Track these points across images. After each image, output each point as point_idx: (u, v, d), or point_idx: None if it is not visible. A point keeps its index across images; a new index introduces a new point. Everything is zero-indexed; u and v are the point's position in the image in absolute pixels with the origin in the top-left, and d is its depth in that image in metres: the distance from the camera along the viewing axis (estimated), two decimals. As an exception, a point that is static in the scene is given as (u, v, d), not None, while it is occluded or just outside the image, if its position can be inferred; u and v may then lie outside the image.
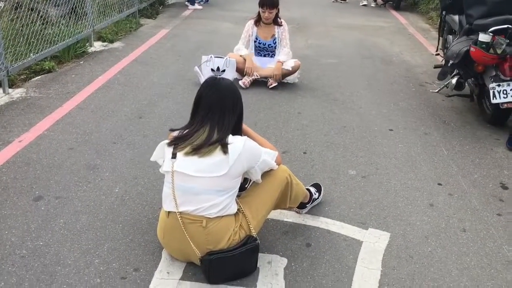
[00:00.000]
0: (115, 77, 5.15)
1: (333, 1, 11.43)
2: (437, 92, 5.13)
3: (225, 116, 2.27)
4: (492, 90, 3.94)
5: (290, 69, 5.04)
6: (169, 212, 2.28)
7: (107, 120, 4.03)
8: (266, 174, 2.46)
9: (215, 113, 2.26)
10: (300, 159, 3.57)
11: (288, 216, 2.84)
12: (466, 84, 4.56)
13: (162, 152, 2.35)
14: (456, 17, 5.01)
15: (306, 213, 2.87)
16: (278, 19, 5.14)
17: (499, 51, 3.84)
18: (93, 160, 3.36)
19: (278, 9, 5.10)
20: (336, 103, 4.75)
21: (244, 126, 2.51)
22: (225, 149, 2.21)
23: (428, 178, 3.38)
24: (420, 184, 3.29)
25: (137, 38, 6.96)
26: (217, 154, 2.20)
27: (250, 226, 2.35)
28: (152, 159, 2.45)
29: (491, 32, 3.90)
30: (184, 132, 2.28)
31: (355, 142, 3.89)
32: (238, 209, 2.35)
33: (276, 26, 5.15)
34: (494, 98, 3.94)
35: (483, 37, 3.89)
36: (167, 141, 2.31)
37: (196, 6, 9.52)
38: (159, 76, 5.25)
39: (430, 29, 8.69)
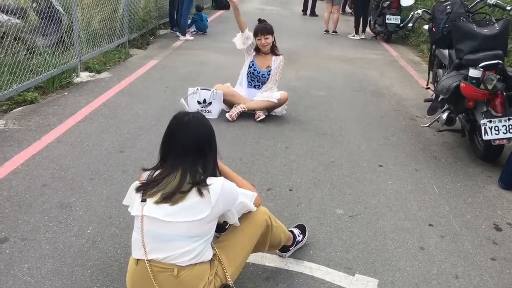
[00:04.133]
0: (98, 108, 5.02)
1: (325, 33, 11.48)
2: (428, 126, 5.03)
3: (199, 159, 2.11)
4: (483, 126, 3.84)
5: (276, 101, 4.92)
6: (138, 259, 2.10)
7: (86, 154, 3.87)
8: (244, 216, 2.31)
9: (188, 156, 2.09)
10: (285, 196, 3.42)
11: (269, 260, 2.67)
12: (457, 119, 4.46)
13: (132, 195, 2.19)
14: (446, 52, 4.95)
15: (289, 256, 2.70)
16: (276, 50, 5.10)
17: (489, 87, 3.75)
18: (66, 197, 3.19)
19: (275, 38, 5.05)
20: (325, 137, 4.63)
21: (220, 164, 2.34)
22: (200, 192, 2.05)
23: (419, 218, 3.23)
24: (410, 225, 3.14)
25: (125, 68, 6.86)
26: (192, 197, 2.05)
27: (227, 274, 2.18)
28: (124, 202, 2.27)
29: (481, 67, 3.83)
30: (154, 175, 2.13)
31: (343, 179, 3.75)
32: (213, 255, 2.19)
33: (273, 58, 5.09)
34: (486, 134, 3.84)
35: (473, 73, 3.80)
36: (137, 183, 2.15)
37: (188, 36, 9.49)
38: (144, 108, 5.13)
39: (421, 61, 8.68)
